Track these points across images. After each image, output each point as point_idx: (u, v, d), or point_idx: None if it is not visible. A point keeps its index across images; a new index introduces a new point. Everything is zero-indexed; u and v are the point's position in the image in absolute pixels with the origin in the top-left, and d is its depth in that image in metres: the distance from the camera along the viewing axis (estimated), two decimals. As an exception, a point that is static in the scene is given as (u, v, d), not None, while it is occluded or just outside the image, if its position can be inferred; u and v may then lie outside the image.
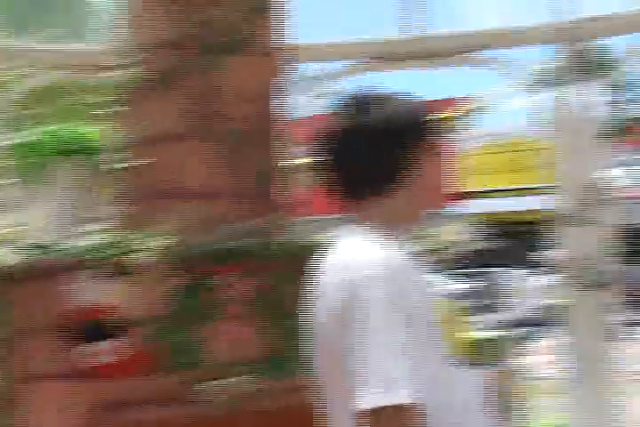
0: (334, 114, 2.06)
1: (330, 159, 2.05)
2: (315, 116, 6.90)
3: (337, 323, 1.91)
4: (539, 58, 6.34)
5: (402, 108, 2.06)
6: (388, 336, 1.85)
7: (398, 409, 1.81)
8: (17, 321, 3.48)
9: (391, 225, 2.03)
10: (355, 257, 1.93)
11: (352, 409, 1.83)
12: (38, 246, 3.44)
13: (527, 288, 17.75)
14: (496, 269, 18.69)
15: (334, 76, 6.26)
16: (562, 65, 5.88)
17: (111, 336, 3.59)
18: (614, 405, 5.58)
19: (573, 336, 5.58)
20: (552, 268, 6.02)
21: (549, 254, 5.97)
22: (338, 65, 6.35)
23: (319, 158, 2.07)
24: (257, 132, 4.08)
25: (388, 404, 1.80)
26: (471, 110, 7.32)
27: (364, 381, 1.82)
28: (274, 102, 4.20)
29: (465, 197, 30.43)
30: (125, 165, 4.04)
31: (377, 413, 1.81)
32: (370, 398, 1.80)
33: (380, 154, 2.01)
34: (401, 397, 1.81)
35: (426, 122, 2.08)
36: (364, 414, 1.80)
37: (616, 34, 6.12)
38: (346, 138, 2.02)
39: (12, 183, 4.45)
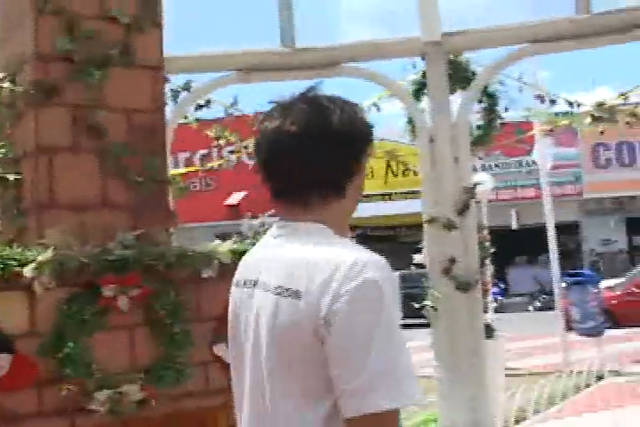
0: (280, 117, 2.02)
1: (278, 164, 2.01)
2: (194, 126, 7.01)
3: (317, 325, 1.84)
4: (411, 69, 6.59)
5: (353, 114, 2.04)
6: (400, 337, 1.84)
7: (397, 412, 1.82)
8: None
9: (337, 229, 2.02)
10: (340, 256, 1.88)
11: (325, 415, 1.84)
12: None
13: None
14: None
15: (209, 87, 6.36)
16: (433, 76, 6.12)
17: (-1, 350, 3.58)
18: (489, 399, 5.86)
19: (446, 335, 5.82)
20: (423, 270, 6.25)
21: (420, 257, 6.19)
22: (212, 76, 6.46)
23: (265, 162, 2.05)
24: (141, 143, 4.13)
25: (400, 406, 1.80)
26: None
27: (374, 384, 1.76)
28: (156, 114, 4.26)
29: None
30: (11, 177, 4.02)
31: (383, 416, 1.78)
32: (383, 401, 1.77)
33: (337, 158, 1.99)
34: (411, 398, 1.80)
35: (370, 128, 2.10)
36: (365, 418, 1.77)
37: (483, 47, 6.40)
38: (299, 143, 1.98)
39: None
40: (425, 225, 5.91)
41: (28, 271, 3.57)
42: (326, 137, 1.98)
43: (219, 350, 4.13)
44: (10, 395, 3.61)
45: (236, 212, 28.91)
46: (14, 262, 3.56)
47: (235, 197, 30.23)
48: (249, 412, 2.09)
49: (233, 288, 2.19)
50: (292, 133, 1.98)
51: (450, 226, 5.77)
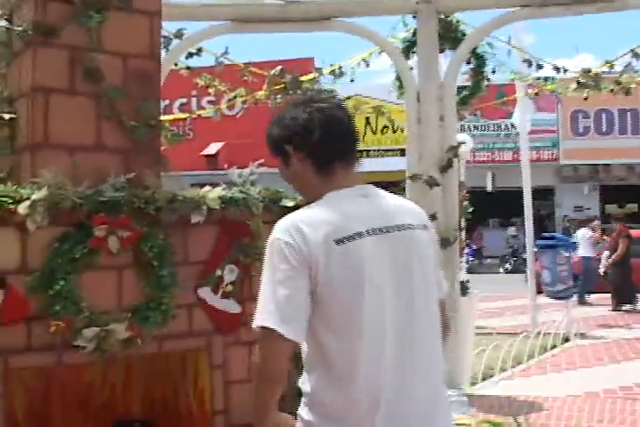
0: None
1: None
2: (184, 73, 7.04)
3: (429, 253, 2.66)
4: (402, 27, 6.63)
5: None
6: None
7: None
8: None
9: None
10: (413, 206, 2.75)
11: None
12: None
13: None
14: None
15: (201, 35, 6.38)
16: (423, 35, 6.17)
17: (-10, 285, 3.65)
18: (459, 354, 6.00)
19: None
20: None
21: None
22: (204, 25, 6.47)
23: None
24: (136, 88, 4.18)
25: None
26: (332, 72, 7.54)
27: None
28: (152, 59, 4.30)
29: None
30: (5, 116, 4.06)
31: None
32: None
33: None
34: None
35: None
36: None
37: (474, 8, 6.44)
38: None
39: None
40: (407, 181, 6.01)
41: (21, 209, 3.64)
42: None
43: (203, 293, 4.24)
44: (0, 329, 3.70)
45: (213, 162, 28.86)
46: (8, 200, 3.62)
47: (213, 148, 30.11)
48: (394, 335, 2.50)
49: (340, 244, 2.45)
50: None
51: (432, 183, 5.87)
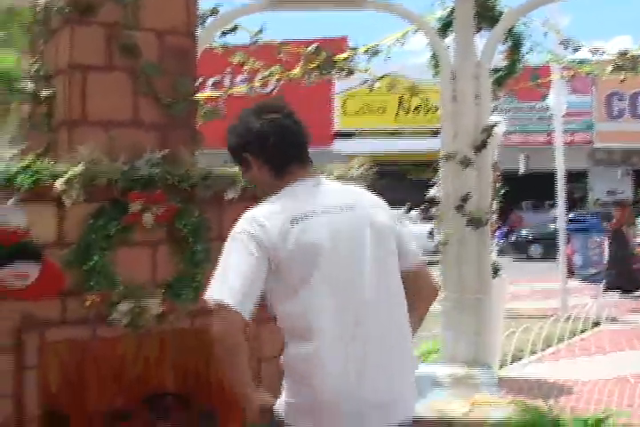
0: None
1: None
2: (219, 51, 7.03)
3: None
4: (436, 6, 6.58)
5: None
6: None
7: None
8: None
9: None
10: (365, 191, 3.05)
11: None
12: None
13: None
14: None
15: (237, 13, 6.36)
16: (460, 14, 6.13)
17: (27, 259, 3.70)
18: (489, 336, 6.01)
19: (454, 270, 5.95)
20: (435, 206, 6.35)
21: (433, 193, 6.26)
22: (240, 2, 6.46)
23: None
24: (173, 64, 4.20)
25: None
26: (367, 51, 7.51)
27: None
28: (188, 36, 4.31)
29: (348, 137, 30.84)
30: (44, 93, 4.10)
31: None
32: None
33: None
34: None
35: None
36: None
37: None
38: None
39: None
40: (441, 161, 5.99)
41: (58, 184, 3.68)
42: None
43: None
44: (36, 303, 3.75)
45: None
46: (45, 175, 3.67)
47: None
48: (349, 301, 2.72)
49: (295, 225, 2.71)
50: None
51: (466, 163, 5.84)
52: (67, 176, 3.68)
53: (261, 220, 2.71)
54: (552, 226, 28.70)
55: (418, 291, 2.94)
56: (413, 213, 18.47)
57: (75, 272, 3.80)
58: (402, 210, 18.82)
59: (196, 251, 4.03)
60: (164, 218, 3.93)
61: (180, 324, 4.06)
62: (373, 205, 2.94)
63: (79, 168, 3.70)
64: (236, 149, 2.92)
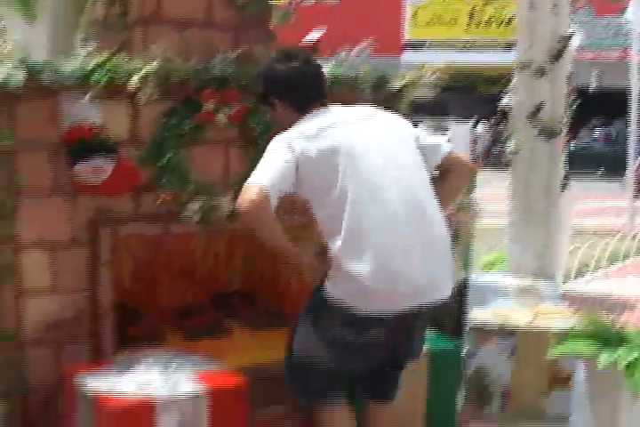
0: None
1: None
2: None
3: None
4: None
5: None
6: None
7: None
8: (18, 137, 3.58)
9: None
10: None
11: None
12: (37, 65, 3.51)
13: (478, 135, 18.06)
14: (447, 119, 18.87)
15: None
16: None
17: (104, 155, 3.76)
18: (556, 249, 5.96)
19: (524, 180, 5.89)
20: (505, 116, 6.26)
21: (505, 102, 6.16)
22: None
23: None
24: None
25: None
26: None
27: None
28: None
29: (417, 48, 30.37)
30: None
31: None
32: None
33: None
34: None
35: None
36: None
37: None
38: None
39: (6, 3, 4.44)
40: (516, 69, 5.86)
41: (132, 82, 3.70)
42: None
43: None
44: (111, 198, 3.83)
45: (314, 50, 28.59)
46: (120, 73, 3.69)
47: (314, 35, 29.76)
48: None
49: (319, 135, 3.16)
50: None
51: (541, 72, 5.71)
52: (141, 74, 3.70)
53: (293, 139, 3.15)
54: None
55: (452, 170, 3.36)
56: (480, 126, 18.21)
57: (148, 170, 3.86)
58: (469, 123, 18.58)
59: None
60: (236, 118, 3.95)
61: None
62: (392, 117, 3.36)
63: (154, 66, 3.71)
64: (263, 93, 3.41)
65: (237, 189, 3.98)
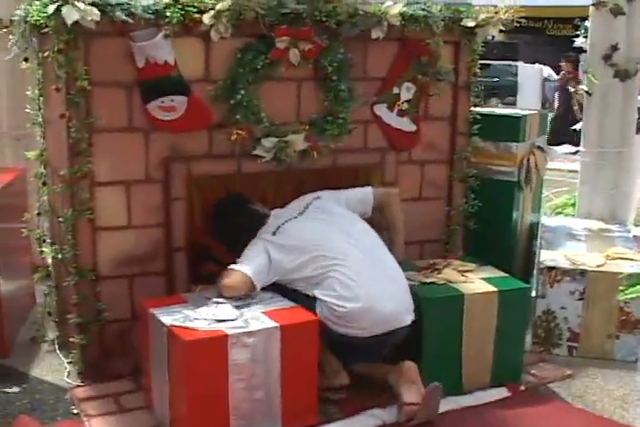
0: None
1: None
2: None
3: None
4: None
5: None
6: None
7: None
8: (93, 75, 3.61)
9: None
10: None
11: None
12: (109, 4, 3.51)
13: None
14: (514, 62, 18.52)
15: None
16: None
17: (178, 92, 3.78)
18: (628, 193, 5.88)
19: (597, 122, 5.79)
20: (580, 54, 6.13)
21: (579, 43, 6.04)
22: None
23: None
24: None
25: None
26: None
27: None
28: None
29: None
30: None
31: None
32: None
33: None
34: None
35: None
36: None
37: None
38: None
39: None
40: (591, 8, 5.72)
41: (206, 19, 3.70)
42: None
43: (379, 110, 4.27)
44: (184, 136, 3.86)
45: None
46: (193, 9, 3.68)
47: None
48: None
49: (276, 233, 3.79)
50: None
51: (617, 12, 5.57)
52: (215, 10, 3.69)
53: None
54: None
55: (384, 204, 4.08)
56: (546, 69, 17.81)
57: (221, 107, 3.87)
58: (539, 66, 18.22)
59: (341, 89, 4.03)
60: (309, 54, 3.92)
61: (322, 163, 4.12)
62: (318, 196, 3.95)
63: (227, 2, 3.69)
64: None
65: (310, 127, 4.03)
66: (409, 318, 3.66)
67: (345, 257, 3.62)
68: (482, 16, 4.41)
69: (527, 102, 16.18)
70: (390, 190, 4.18)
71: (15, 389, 3.87)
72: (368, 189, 4.06)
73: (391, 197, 4.11)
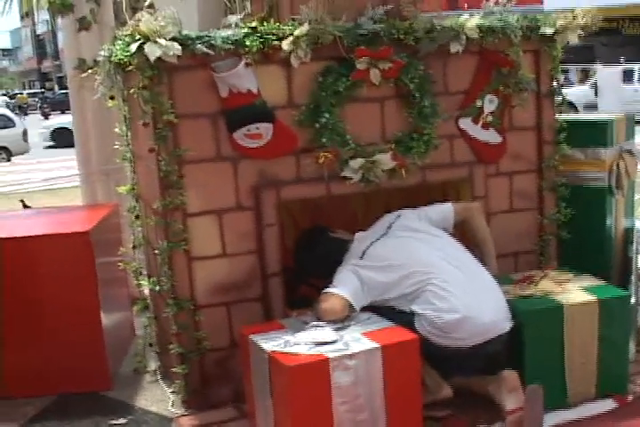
0: None
1: None
2: None
3: None
4: None
5: None
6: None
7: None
8: (178, 107, 3.68)
9: None
10: None
11: None
12: (190, 38, 3.58)
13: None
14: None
15: None
16: None
17: (263, 120, 3.82)
18: None
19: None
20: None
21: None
22: None
23: None
24: None
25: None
26: None
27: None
28: None
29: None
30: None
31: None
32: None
33: None
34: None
35: None
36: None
37: None
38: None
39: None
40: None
41: (285, 45, 3.73)
42: None
43: (464, 123, 4.25)
44: (272, 162, 3.90)
45: (453, 3, 27.98)
46: (272, 37, 3.73)
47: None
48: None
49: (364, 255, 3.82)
50: None
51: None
52: (293, 36, 3.72)
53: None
54: None
55: (466, 219, 4.06)
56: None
57: (306, 131, 3.90)
58: (618, 67, 17.94)
59: (424, 105, 4.02)
60: (390, 73, 3.92)
61: (411, 180, 4.11)
62: (397, 217, 3.96)
63: (304, 28, 3.72)
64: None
65: (396, 145, 4.02)
66: (507, 326, 3.65)
67: (438, 270, 3.63)
68: (560, 22, 4.36)
69: (608, 105, 15.95)
70: (471, 204, 4.17)
71: (122, 420, 3.94)
72: (448, 205, 4.05)
73: (472, 211, 4.09)
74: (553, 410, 3.65)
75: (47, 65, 70.26)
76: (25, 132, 20.72)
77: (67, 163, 13.40)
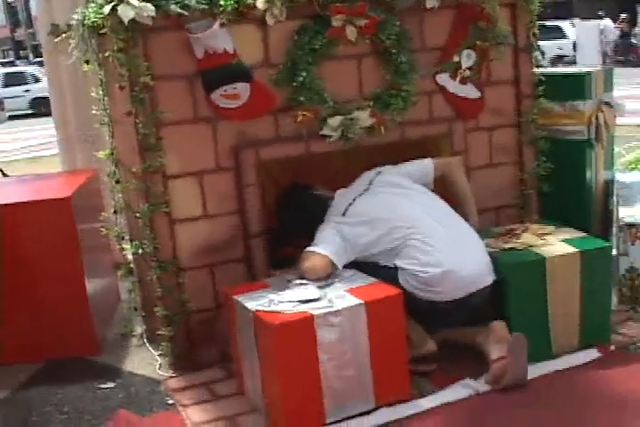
0: None
1: None
2: None
3: None
4: None
5: None
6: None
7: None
8: (154, 70, 3.65)
9: None
10: None
11: None
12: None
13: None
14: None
15: None
16: None
17: (239, 80, 3.79)
18: None
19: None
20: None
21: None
22: None
23: None
24: None
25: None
26: None
27: None
28: None
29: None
30: None
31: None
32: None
33: None
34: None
35: None
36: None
37: None
38: None
39: None
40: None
41: (260, 3, 3.70)
42: None
43: (442, 79, 4.23)
44: (250, 122, 3.88)
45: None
46: (253, -6, 3.69)
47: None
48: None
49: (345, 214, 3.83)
50: None
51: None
52: (273, -4, 3.69)
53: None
54: None
55: (446, 173, 4.04)
56: (607, 23, 17.48)
57: (284, 90, 3.88)
58: (596, 21, 17.91)
59: (401, 62, 4.00)
60: (366, 30, 3.90)
61: (390, 137, 4.11)
62: (377, 173, 3.93)
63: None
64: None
65: (374, 102, 4.01)
66: (490, 279, 3.68)
67: (420, 225, 3.64)
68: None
69: (587, 59, 15.93)
70: (450, 159, 4.17)
71: (110, 384, 3.95)
72: (427, 161, 4.04)
73: (452, 166, 4.08)
74: (538, 361, 3.69)
75: (21, 33, 69.26)
76: (1, 102, 20.53)
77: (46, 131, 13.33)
